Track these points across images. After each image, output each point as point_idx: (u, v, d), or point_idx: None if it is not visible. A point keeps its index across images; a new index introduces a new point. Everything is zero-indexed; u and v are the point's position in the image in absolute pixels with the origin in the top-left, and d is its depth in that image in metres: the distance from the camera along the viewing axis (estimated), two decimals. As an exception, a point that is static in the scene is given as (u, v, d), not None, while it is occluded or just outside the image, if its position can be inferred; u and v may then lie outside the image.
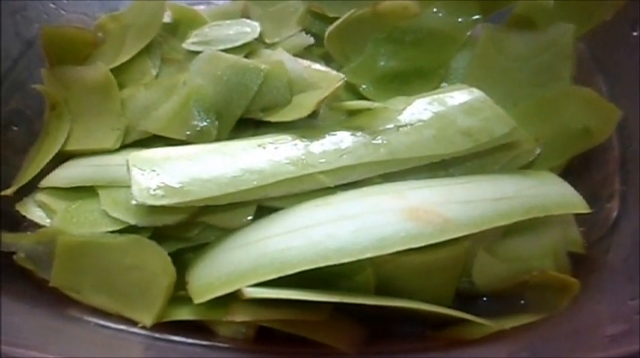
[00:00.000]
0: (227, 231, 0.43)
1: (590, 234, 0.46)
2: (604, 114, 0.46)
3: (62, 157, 0.49)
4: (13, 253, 0.45)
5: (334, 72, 0.48)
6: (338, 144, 0.44)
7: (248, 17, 0.57)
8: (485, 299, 0.46)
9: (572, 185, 0.45)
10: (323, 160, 0.43)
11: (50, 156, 0.48)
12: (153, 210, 0.41)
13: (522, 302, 0.46)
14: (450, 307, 0.43)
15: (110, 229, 0.43)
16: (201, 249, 0.44)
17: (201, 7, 0.60)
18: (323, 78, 0.47)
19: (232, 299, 0.39)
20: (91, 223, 0.43)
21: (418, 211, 0.40)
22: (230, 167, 0.42)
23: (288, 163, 0.42)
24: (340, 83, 0.45)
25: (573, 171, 0.48)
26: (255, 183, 0.41)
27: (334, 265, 0.38)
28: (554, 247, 0.45)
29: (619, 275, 0.43)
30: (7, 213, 0.48)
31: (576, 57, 0.50)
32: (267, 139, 0.44)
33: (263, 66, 0.47)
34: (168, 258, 0.41)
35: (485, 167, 0.46)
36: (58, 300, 0.43)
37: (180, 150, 0.44)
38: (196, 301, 0.39)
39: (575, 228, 0.46)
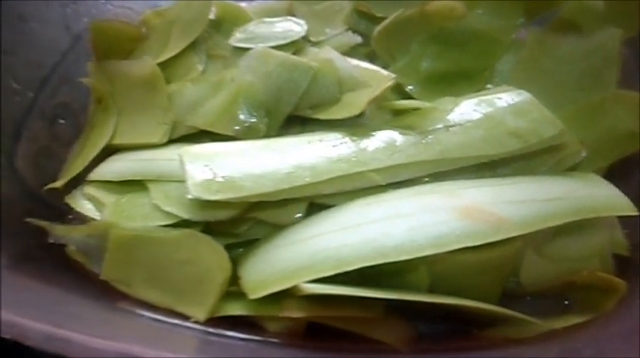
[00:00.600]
0: (277, 228, 0.43)
1: (633, 236, 0.46)
2: (649, 118, 0.47)
3: (108, 151, 0.49)
4: (63, 245, 0.45)
5: (384, 71, 0.48)
6: (388, 142, 0.44)
7: (293, 15, 0.57)
8: (528, 298, 0.47)
9: (616, 187, 0.45)
10: (374, 158, 0.43)
11: (98, 150, 0.48)
12: (206, 204, 0.40)
13: (566, 302, 0.46)
14: (494, 305, 0.44)
15: (162, 223, 0.43)
16: (250, 244, 0.44)
17: (243, 4, 0.61)
18: (372, 77, 0.47)
19: (285, 295, 0.39)
20: (142, 217, 0.43)
21: (472, 210, 0.40)
22: (283, 163, 0.42)
23: (340, 161, 0.42)
24: (391, 83, 0.45)
25: (616, 173, 0.48)
26: (307, 179, 0.41)
27: (389, 263, 0.38)
28: (601, 248, 0.45)
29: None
30: (53, 205, 0.48)
31: (622, 62, 0.50)
32: (316, 137, 0.45)
33: (313, 64, 0.47)
34: (225, 253, 0.41)
35: (532, 168, 0.46)
36: (108, 293, 0.43)
37: (231, 146, 0.44)
38: (251, 297, 0.39)
39: (620, 230, 0.46)
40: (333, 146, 0.43)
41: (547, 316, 0.44)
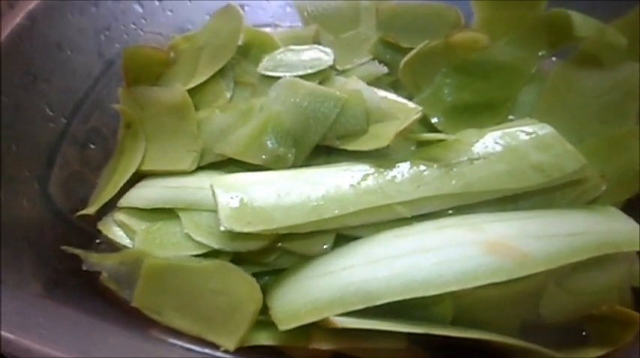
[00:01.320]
0: (305, 258, 0.44)
1: (650, 270, 0.47)
2: (669, 154, 0.47)
3: (137, 176, 0.50)
4: (96, 272, 0.45)
5: (411, 104, 0.49)
6: (414, 175, 0.44)
7: (319, 43, 0.58)
8: (547, 329, 0.48)
9: (634, 218, 0.45)
10: (400, 191, 0.43)
11: (128, 176, 0.49)
12: (236, 235, 0.41)
13: (584, 333, 0.47)
14: (514, 336, 0.45)
15: (194, 252, 0.44)
16: (279, 273, 0.45)
17: (268, 29, 0.61)
18: (400, 109, 0.48)
19: (313, 325, 0.40)
20: (174, 246, 0.44)
21: (497, 245, 0.41)
22: (311, 195, 0.43)
23: (367, 193, 0.43)
24: (418, 116, 0.46)
25: (634, 206, 0.49)
26: (336, 211, 0.42)
27: (417, 296, 0.39)
28: (620, 281, 0.46)
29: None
30: (82, 230, 0.49)
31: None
32: (343, 167, 0.45)
33: (342, 94, 0.48)
34: (257, 285, 0.42)
35: (554, 201, 0.47)
36: (139, 320, 0.44)
37: (260, 176, 0.45)
38: (282, 328, 0.40)
39: (638, 262, 0.47)
40: (360, 178, 0.44)
41: (565, 347, 0.46)
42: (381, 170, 0.45)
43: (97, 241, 0.49)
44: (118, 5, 0.55)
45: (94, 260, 0.45)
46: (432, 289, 0.39)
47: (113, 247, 0.48)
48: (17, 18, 0.47)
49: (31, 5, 0.48)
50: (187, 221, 0.45)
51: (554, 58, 0.57)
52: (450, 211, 0.45)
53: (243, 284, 0.42)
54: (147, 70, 0.55)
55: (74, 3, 0.51)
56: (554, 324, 0.47)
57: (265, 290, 0.44)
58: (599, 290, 0.45)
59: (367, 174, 0.45)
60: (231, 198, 0.42)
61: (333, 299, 0.40)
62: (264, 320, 0.42)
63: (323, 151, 0.49)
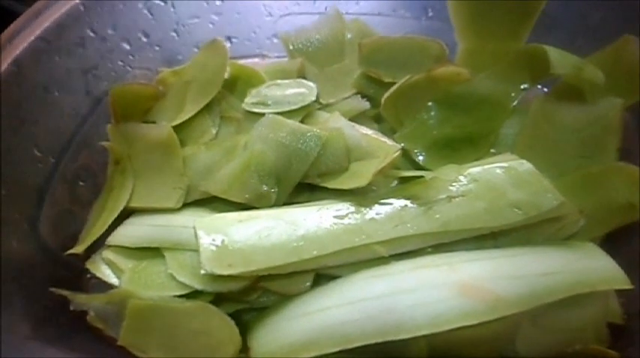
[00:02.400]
0: (286, 297, 0.45)
1: (628, 305, 0.48)
2: (648, 191, 0.48)
3: (126, 212, 0.52)
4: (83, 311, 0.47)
5: (391, 142, 0.50)
6: (393, 214, 0.46)
7: (304, 76, 0.59)
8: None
9: (612, 254, 0.46)
10: (379, 230, 0.45)
11: (116, 214, 0.51)
12: (218, 276, 0.43)
13: (563, 369, 0.48)
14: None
15: (177, 293, 0.45)
16: (259, 312, 0.46)
17: (256, 59, 0.63)
18: (380, 147, 0.49)
19: (292, 364, 0.42)
20: (158, 285, 0.46)
21: (471, 288, 0.42)
22: (292, 235, 0.44)
23: (346, 233, 0.45)
24: (397, 154, 0.47)
25: (613, 241, 0.50)
26: (315, 252, 0.43)
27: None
28: (596, 319, 0.47)
29: (656, 351, 0.45)
30: (73, 266, 0.51)
31: (622, 126, 0.51)
32: (324, 206, 0.47)
33: (323, 133, 0.49)
34: (235, 328, 0.43)
35: (531, 238, 0.48)
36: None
37: (243, 216, 0.46)
38: (260, 369, 0.42)
39: (615, 299, 0.48)
40: (340, 217, 0.46)
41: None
42: (361, 208, 0.46)
43: (88, 276, 0.51)
44: (105, 44, 0.56)
45: (81, 300, 0.46)
46: (403, 333, 0.40)
47: (103, 282, 0.50)
48: (4, 64, 0.48)
49: (17, 51, 0.49)
50: (171, 261, 0.46)
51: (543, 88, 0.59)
52: (429, 249, 0.47)
53: (222, 327, 0.43)
54: (135, 106, 0.56)
55: (61, 45, 0.53)
56: (532, 359, 0.49)
57: (247, 329, 0.46)
58: (574, 328, 0.46)
59: (347, 213, 0.46)
60: (213, 239, 0.43)
61: (309, 340, 0.41)
62: (245, 358, 0.45)
63: (306, 189, 0.51)
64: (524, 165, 0.48)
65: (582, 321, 0.47)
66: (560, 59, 0.50)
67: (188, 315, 0.44)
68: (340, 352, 0.41)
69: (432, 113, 0.54)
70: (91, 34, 0.56)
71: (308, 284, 0.45)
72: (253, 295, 0.46)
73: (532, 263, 0.45)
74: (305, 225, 0.45)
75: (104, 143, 0.54)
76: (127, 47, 0.58)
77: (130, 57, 0.58)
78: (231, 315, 0.45)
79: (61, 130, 0.53)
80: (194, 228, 0.44)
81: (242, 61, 0.61)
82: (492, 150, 0.53)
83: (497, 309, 0.41)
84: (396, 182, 0.51)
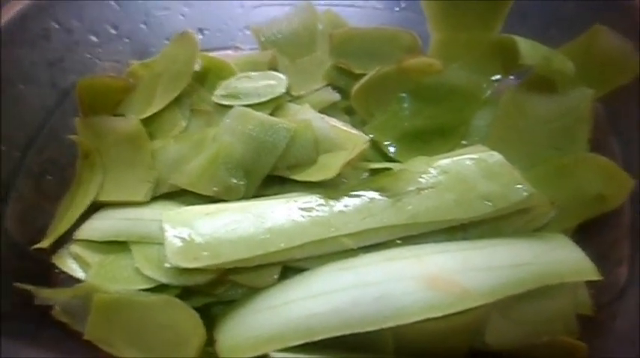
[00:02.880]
0: (253, 290, 0.46)
1: (599, 297, 0.49)
2: (618, 182, 0.48)
3: (95, 207, 0.52)
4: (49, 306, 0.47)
5: (360, 133, 0.50)
6: (361, 206, 0.46)
7: (275, 68, 0.59)
8: (496, 356, 0.49)
9: (583, 246, 0.47)
10: (347, 223, 0.45)
11: (84, 208, 0.51)
12: (184, 270, 0.43)
13: (532, 360, 0.49)
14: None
15: (143, 287, 0.45)
16: (228, 305, 0.47)
17: (229, 51, 0.63)
18: (349, 138, 0.50)
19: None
20: (124, 280, 0.46)
21: (437, 280, 0.43)
22: (259, 228, 0.44)
23: (313, 226, 0.45)
24: (365, 146, 0.48)
25: (585, 232, 0.51)
26: (282, 245, 0.44)
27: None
28: (565, 310, 0.48)
29: (625, 342, 0.45)
30: (41, 261, 0.51)
31: (593, 117, 0.51)
32: (293, 198, 0.47)
33: (291, 125, 0.49)
34: (200, 321, 0.43)
35: (502, 229, 0.48)
36: (91, 352, 0.45)
37: (210, 209, 0.46)
38: (225, 362, 0.43)
39: (585, 290, 0.49)
40: (308, 209, 0.46)
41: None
42: (329, 201, 0.46)
43: (57, 271, 0.51)
44: (71, 36, 0.56)
45: (45, 295, 0.46)
46: (369, 325, 0.41)
47: (71, 277, 0.50)
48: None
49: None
50: (138, 254, 0.47)
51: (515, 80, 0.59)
52: (398, 241, 0.47)
53: (187, 320, 0.43)
54: (104, 99, 0.56)
55: (24, 38, 0.52)
56: (502, 352, 0.49)
57: (216, 321, 0.46)
58: (543, 320, 0.47)
59: (315, 206, 0.46)
60: (179, 233, 0.44)
61: (274, 334, 0.42)
62: (211, 352, 0.44)
63: (276, 181, 0.51)
64: (495, 157, 0.48)
65: (551, 313, 0.48)
66: (529, 50, 0.50)
67: (153, 309, 0.44)
68: (306, 344, 0.41)
69: (403, 104, 0.54)
70: (56, 26, 0.55)
71: (275, 277, 0.45)
72: (221, 288, 0.46)
73: (501, 254, 0.45)
74: (272, 218, 0.45)
75: (72, 136, 0.54)
76: (95, 39, 0.58)
77: (98, 49, 0.58)
78: (200, 309, 0.45)
79: (26, 124, 0.53)
80: (160, 221, 0.45)
81: (214, 54, 0.61)
82: (464, 142, 0.54)
83: (463, 301, 0.42)
84: (366, 174, 0.51)
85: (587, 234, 0.51)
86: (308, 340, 0.41)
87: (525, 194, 0.46)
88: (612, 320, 0.48)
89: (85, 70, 0.57)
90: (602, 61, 0.51)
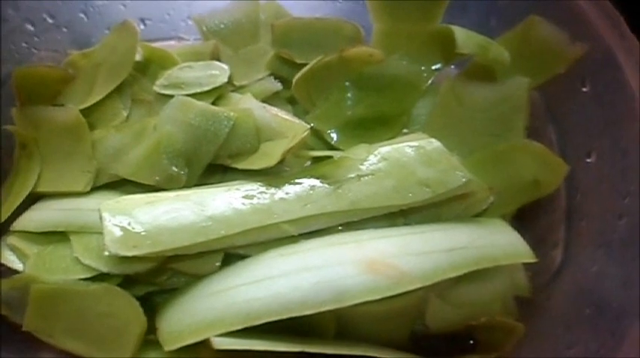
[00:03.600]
0: (195, 278, 0.47)
1: (535, 278, 0.51)
2: (553, 167, 0.50)
3: (33, 197, 0.52)
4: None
5: (300, 122, 0.52)
6: (302, 193, 0.47)
7: (218, 58, 0.60)
8: (437, 338, 0.51)
9: (521, 230, 0.50)
10: (287, 210, 0.46)
11: (21, 199, 0.50)
12: (124, 258, 0.43)
13: (472, 342, 0.50)
14: (404, 346, 0.48)
15: (82, 276, 0.46)
16: (170, 293, 0.47)
17: (172, 42, 0.64)
18: (290, 127, 0.51)
19: (202, 344, 0.43)
20: (63, 270, 0.46)
21: (376, 264, 0.44)
22: (199, 216, 0.45)
23: (254, 213, 0.46)
24: (305, 134, 0.49)
25: (523, 217, 0.53)
26: (222, 232, 0.45)
27: (296, 313, 0.43)
28: (503, 292, 0.50)
29: (560, 323, 0.48)
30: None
31: (530, 106, 0.54)
32: (234, 186, 0.48)
33: (232, 113, 0.50)
34: (140, 308, 0.44)
35: (442, 215, 0.50)
36: (31, 344, 0.46)
37: (151, 198, 0.47)
38: (167, 348, 0.43)
39: (523, 273, 0.51)
40: (249, 197, 0.47)
41: (451, 355, 0.49)
42: (270, 189, 0.47)
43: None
44: (5, 25, 0.55)
45: (-20, 287, 0.47)
46: (307, 309, 0.42)
47: (10, 269, 0.50)
48: None
49: None
50: (77, 244, 0.47)
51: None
52: (340, 228, 0.48)
53: (128, 307, 0.44)
54: (42, 89, 0.56)
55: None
56: (444, 334, 0.51)
57: (157, 310, 0.47)
58: (481, 302, 0.49)
59: (256, 194, 0.47)
60: (118, 222, 0.44)
61: (214, 319, 0.43)
62: (154, 339, 0.45)
63: (219, 170, 0.52)
64: (433, 144, 0.50)
65: (489, 295, 0.50)
66: (465, 39, 0.52)
67: (93, 298, 0.45)
68: (247, 329, 0.42)
69: (345, 94, 0.55)
70: (-12, 15, 0.56)
71: (217, 264, 0.46)
72: (163, 277, 0.47)
73: (439, 239, 0.47)
74: (213, 206, 0.46)
75: (9, 127, 0.53)
76: (31, 28, 0.57)
77: (35, 38, 0.58)
78: (142, 298, 0.46)
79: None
80: (99, 210, 0.45)
81: (157, 44, 0.61)
82: (405, 131, 0.56)
83: (400, 284, 0.43)
84: (308, 163, 0.52)
85: (526, 218, 0.54)
86: (248, 325, 0.42)
87: (463, 180, 0.48)
88: (548, 300, 0.51)
89: (22, 60, 0.56)
90: (538, 50, 0.54)
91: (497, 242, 0.48)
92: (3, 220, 0.51)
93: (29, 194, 0.52)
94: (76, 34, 0.61)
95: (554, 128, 0.55)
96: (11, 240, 0.50)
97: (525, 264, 0.51)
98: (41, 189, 0.52)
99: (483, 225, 0.50)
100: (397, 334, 0.48)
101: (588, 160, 0.51)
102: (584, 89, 0.51)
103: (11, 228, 0.50)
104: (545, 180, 0.51)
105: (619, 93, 0.48)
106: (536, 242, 0.49)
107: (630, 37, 0.49)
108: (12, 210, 0.50)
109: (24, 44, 0.57)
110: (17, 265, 0.49)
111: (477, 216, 0.51)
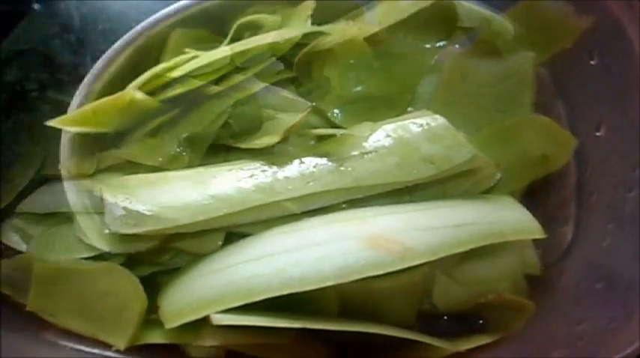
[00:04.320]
0: (197, 257, 0.47)
1: (545, 256, 0.51)
2: (561, 142, 0.50)
3: (39, 180, 0.52)
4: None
5: (302, 100, 0.51)
6: (305, 171, 0.47)
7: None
8: (446, 318, 0.51)
9: (531, 208, 0.49)
10: (290, 187, 0.46)
11: (26, 181, 0.51)
12: (126, 237, 0.44)
13: (481, 321, 0.50)
14: (412, 326, 0.48)
15: (85, 255, 0.47)
16: (172, 273, 0.48)
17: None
18: (292, 106, 0.50)
19: (203, 323, 0.43)
20: (66, 249, 0.47)
21: (379, 239, 0.44)
22: (201, 195, 0.45)
23: (256, 191, 0.46)
24: (307, 111, 0.48)
25: (533, 194, 0.53)
26: (224, 210, 0.45)
27: (298, 291, 0.43)
28: (512, 270, 0.50)
29: (570, 299, 0.48)
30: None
31: (538, 82, 0.53)
32: (237, 166, 0.48)
33: (234, 93, 0.50)
34: (140, 286, 0.45)
35: (448, 192, 0.50)
36: (35, 323, 0.47)
37: (153, 177, 0.47)
38: (167, 326, 0.44)
39: (532, 250, 0.51)
40: (252, 175, 0.47)
41: (461, 336, 0.49)
42: (274, 167, 0.47)
43: (3, 247, 0.51)
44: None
45: (-17, 268, 0.48)
46: (308, 285, 0.42)
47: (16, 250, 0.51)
48: None
49: None
50: (80, 224, 0.47)
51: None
52: (344, 205, 0.48)
53: (129, 285, 0.45)
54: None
55: None
56: (452, 313, 0.51)
57: (160, 290, 0.47)
58: (489, 280, 0.49)
59: (259, 172, 0.47)
60: (119, 200, 0.44)
61: (215, 296, 0.43)
62: (156, 319, 0.45)
63: (222, 150, 0.51)
64: (438, 120, 0.49)
65: (498, 273, 0.49)
66: (468, 13, 0.52)
67: (95, 276, 0.46)
68: (252, 308, 0.42)
69: (348, 73, 0.55)
70: None
71: (219, 243, 0.47)
72: (165, 256, 0.47)
73: (446, 215, 0.47)
74: (215, 185, 0.46)
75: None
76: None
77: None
78: (146, 278, 0.47)
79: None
80: (100, 189, 0.46)
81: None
82: (410, 109, 0.54)
83: (403, 260, 0.43)
84: (312, 142, 0.52)
85: (536, 196, 0.53)
86: (248, 301, 0.42)
87: (468, 155, 0.47)
88: (558, 278, 0.50)
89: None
90: (544, 24, 0.53)
91: (505, 218, 0.47)
92: (6, 204, 0.51)
93: (35, 177, 0.52)
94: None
95: (563, 103, 0.54)
96: (16, 221, 0.50)
97: (536, 242, 0.51)
98: (46, 171, 0.52)
99: (491, 201, 0.49)
100: (404, 313, 0.48)
101: (598, 134, 0.50)
102: (592, 62, 0.51)
103: (17, 210, 0.51)
104: (553, 155, 0.50)
105: (627, 65, 0.48)
106: (546, 219, 0.48)
107: (638, 7, 0.48)
108: (15, 193, 0.51)
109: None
110: (22, 246, 0.49)
111: (485, 193, 0.51)
